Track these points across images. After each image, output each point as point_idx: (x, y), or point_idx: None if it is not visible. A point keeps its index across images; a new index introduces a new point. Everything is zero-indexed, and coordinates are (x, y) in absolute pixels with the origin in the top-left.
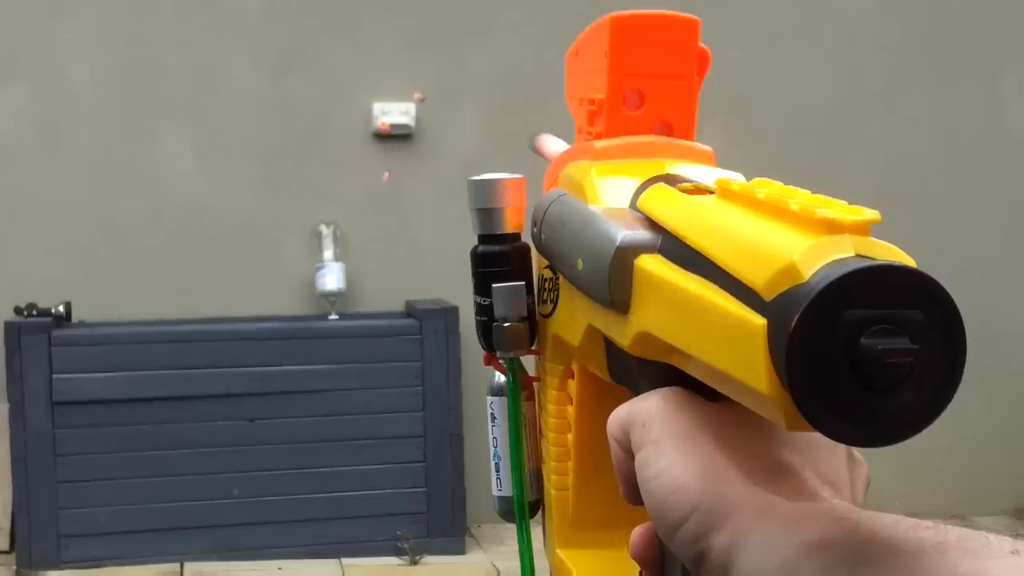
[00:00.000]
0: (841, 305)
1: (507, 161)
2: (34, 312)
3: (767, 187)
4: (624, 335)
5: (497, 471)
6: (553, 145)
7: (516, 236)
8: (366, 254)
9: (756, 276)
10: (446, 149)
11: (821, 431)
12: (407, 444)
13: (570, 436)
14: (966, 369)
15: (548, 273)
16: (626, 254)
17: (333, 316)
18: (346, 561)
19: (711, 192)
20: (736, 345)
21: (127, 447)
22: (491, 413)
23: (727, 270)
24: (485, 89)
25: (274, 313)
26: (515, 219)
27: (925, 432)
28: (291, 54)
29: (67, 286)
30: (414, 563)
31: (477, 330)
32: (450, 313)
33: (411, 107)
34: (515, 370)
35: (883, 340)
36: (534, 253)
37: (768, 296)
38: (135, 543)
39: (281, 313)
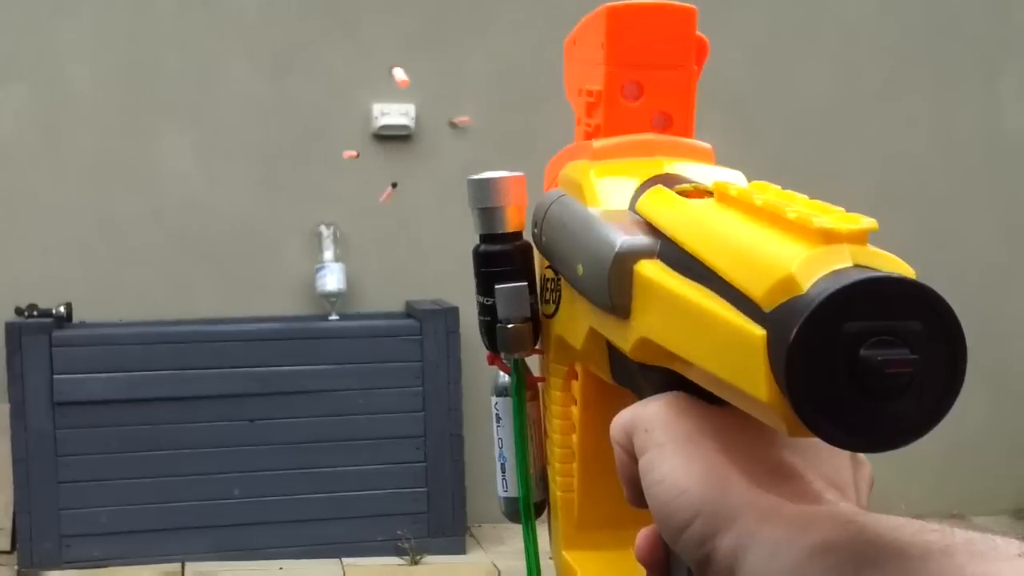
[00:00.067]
0: (840, 317)
1: (507, 162)
2: (35, 313)
3: (765, 192)
4: (625, 340)
5: (503, 472)
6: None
7: (518, 235)
8: (366, 255)
9: (755, 286)
10: (445, 149)
11: (821, 437)
12: (407, 444)
13: (575, 437)
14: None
15: (550, 273)
16: (626, 259)
17: (333, 316)
18: (347, 561)
19: (710, 193)
20: (736, 354)
21: (128, 447)
22: (496, 414)
23: (726, 279)
24: (484, 89)
25: (274, 313)
26: (517, 218)
27: None
28: (291, 54)
29: (68, 287)
30: (415, 563)
31: (480, 330)
32: (450, 313)
33: (411, 108)
34: (519, 371)
35: (883, 351)
36: (536, 252)
37: (767, 307)
38: (136, 543)
39: (281, 313)
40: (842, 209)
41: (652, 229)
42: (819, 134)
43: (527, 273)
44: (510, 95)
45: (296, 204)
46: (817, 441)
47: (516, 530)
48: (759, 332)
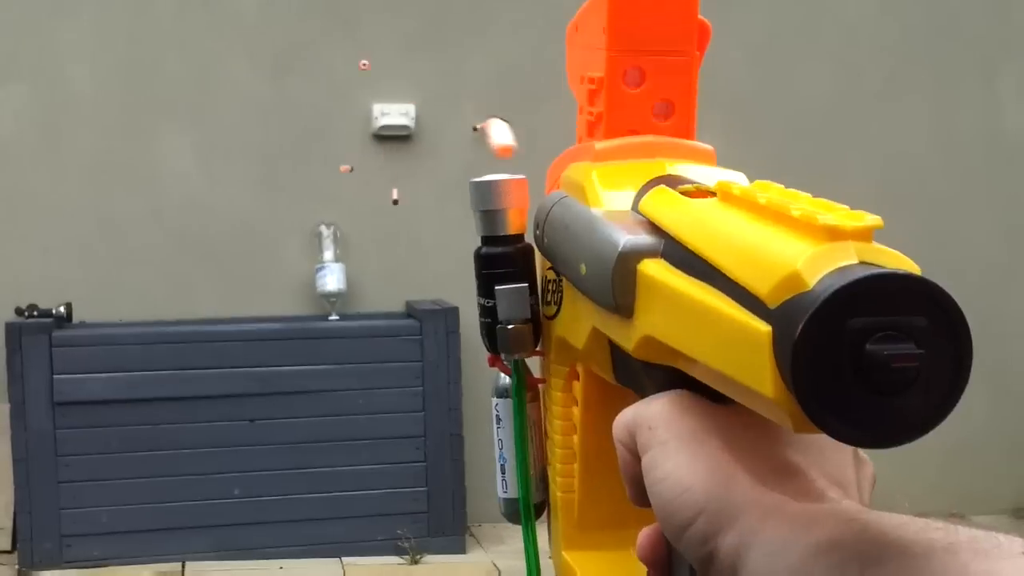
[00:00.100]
0: (846, 313)
1: (506, 162)
2: (35, 313)
3: (768, 191)
4: (628, 339)
5: (503, 473)
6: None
7: (519, 237)
8: (366, 255)
9: (760, 283)
10: (445, 150)
11: (827, 433)
12: (407, 444)
13: (575, 438)
14: None
15: (552, 275)
16: (629, 258)
17: (333, 316)
18: (347, 560)
19: (712, 194)
20: (741, 350)
21: (128, 447)
22: (496, 415)
23: (730, 276)
24: (484, 89)
25: (274, 314)
26: (518, 220)
27: None
28: (290, 54)
29: (67, 287)
30: (415, 562)
31: (481, 332)
32: (450, 313)
33: (411, 108)
34: (520, 372)
35: (888, 346)
36: (538, 254)
37: (772, 304)
38: (136, 543)
39: (281, 313)
40: (847, 207)
41: (655, 229)
42: (819, 134)
43: (528, 275)
44: (510, 95)
45: (296, 204)
46: (820, 440)
47: (516, 530)
48: (764, 328)
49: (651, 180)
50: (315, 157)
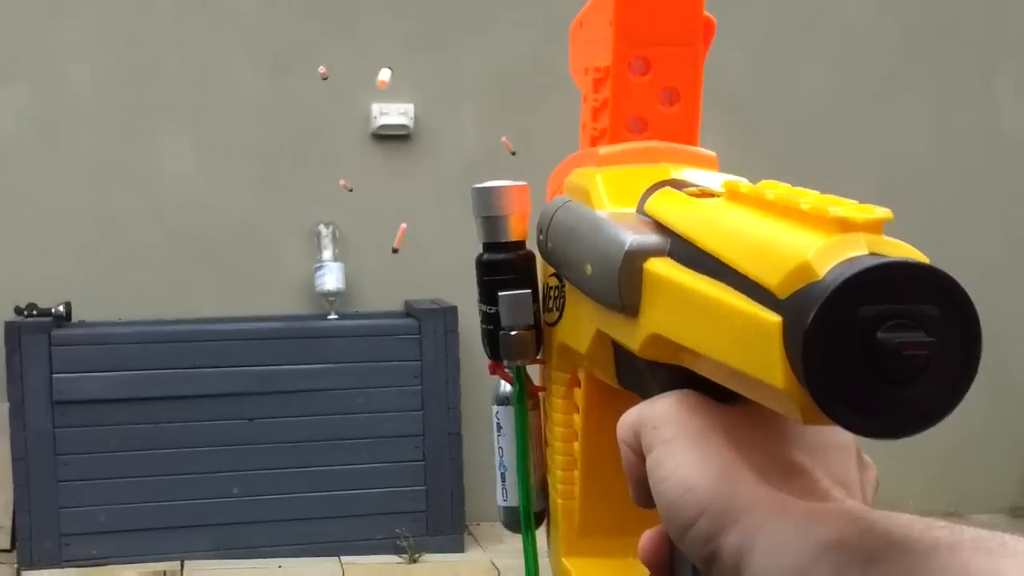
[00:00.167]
0: (857, 302)
1: (506, 162)
2: (34, 312)
3: (776, 188)
4: (634, 338)
5: (503, 481)
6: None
7: (521, 244)
8: (365, 254)
9: (770, 275)
10: (445, 150)
11: (838, 423)
12: (406, 443)
13: (576, 445)
14: None
15: (554, 281)
16: (635, 257)
17: (332, 316)
18: (345, 559)
19: (717, 196)
20: (750, 343)
21: (127, 446)
22: (497, 423)
23: (739, 270)
24: (484, 89)
25: (273, 313)
26: (520, 227)
27: None
28: (290, 55)
29: (67, 286)
30: (413, 561)
31: (483, 338)
32: (449, 313)
33: (410, 108)
34: (522, 379)
35: (899, 334)
36: (539, 261)
37: (783, 294)
38: (135, 542)
39: (280, 313)
40: (855, 201)
41: (661, 229)
42: (818, 134)
43: (530, 282)
44: (509, 95)
45: (295, 204)
46: (825, 440)
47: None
48: (775, 319)
49: (656, 184)
50: (314, 157)
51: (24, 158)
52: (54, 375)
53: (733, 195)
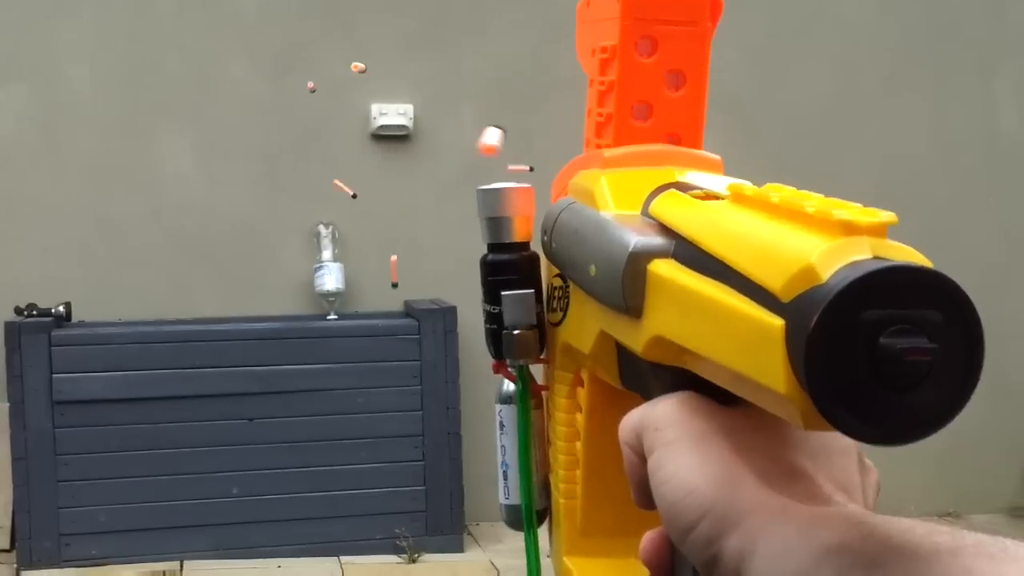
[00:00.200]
0: (860, 306)
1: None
2: (34, 312)
3: (780, 191)
4: (637, 340)
5: (505, 479)
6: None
7: (525, 245)
8: (365, 254)
9: (773, 278)
10: (444, 150)
11: (839, 429)
12: (406, 443)
13: (579, 444)
14: None
15: (558, 282)
16: (639, 259)
17: (332, 316)
18: (345, 559)
19: (722, 199)
20: (753, 346)
21: (127, 446)
22: (500, 421)
23: (743, 273)
24: (482, 90)
25: (273, 313)
26: (524, 228)
27: None
28: (290, 55)
29: (67, 286)
30: (413, 561)
31: (487, 338)
32: (448, 313)
33: (409, 108)
34: (525, 378)
35: (902, 339)
36: (543, 262)
37: (786, 298)
38: (135, 542)
39: (280, 313)
40: (860, 205)
41: (665, 230)
42: (818, 134)
43: (533, 282)
44: (508, 95)
45: (295, 204)
46: (827, 444)
47: (518, 535)
48: (777, 322)
49: (660, 186)
50: (314, 157)
51: (24, 158)
52: (54, 375)
53: (738, 198)
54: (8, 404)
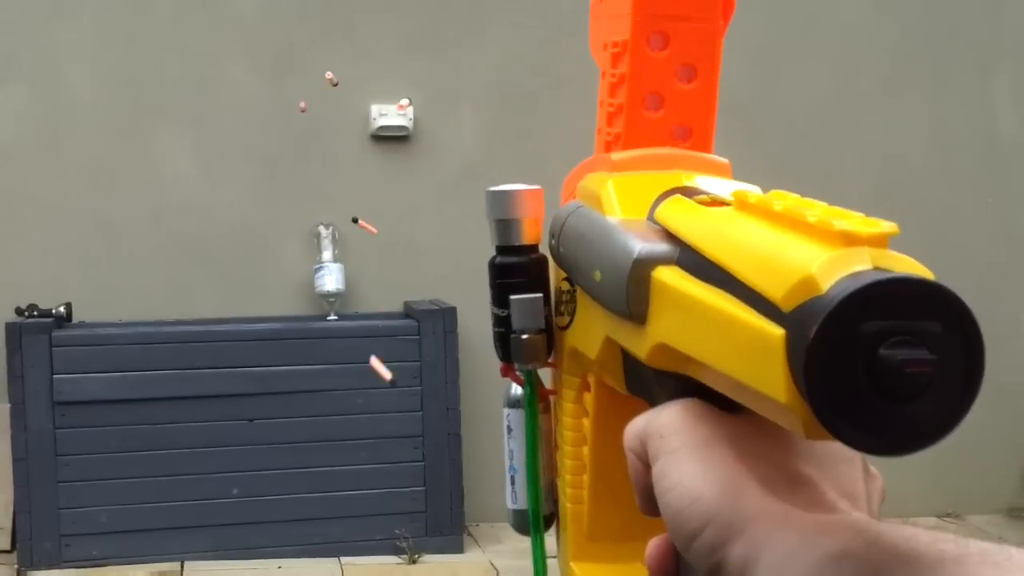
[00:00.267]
0: (860, 317)
1: (503, 162)
2: (35, 313)
3: (784, 199)
4: (641, 346)
5: (512, 484)
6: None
7: (534, 248)
8: (364, 255)
9: (774, 288)
10: (443, 150)
11: (839, 439)
12: (406, 444)
13: (586, 449)
14: None
15: (566, 285)
16: (644, 266)
17: (332, 317)
18: (345, 560)
19: (727, 204)
20: (754, 355)
21: (127, 447)
22: (507, 425)
23: (745, 282)
24: (482, 90)
25: (273, 314)
26: (533, 231)
27: None
28: (289, 56)
29: (67, 287)
30: (413, 562)
31: (494, 341)
32: (448, 313)
33: (408, 109)
34: (532, 382)
35: (902, 351)
36: (552, 265)
37: (786, 308)
38: (135, 542)
39: (280, 314)
40: (863, 214)
41: (670, 237)
42: (816, 135)
43: (542, 285)
44: (507, 96)
45: (295, 205)
46: (831, 451)
47: (517, 537)
48: (778, 332)
49: (667, 191)
50: (314, 158)
51: (24, 159)
52: (55, 376)
53: (742, 205)
54: (9, 405)
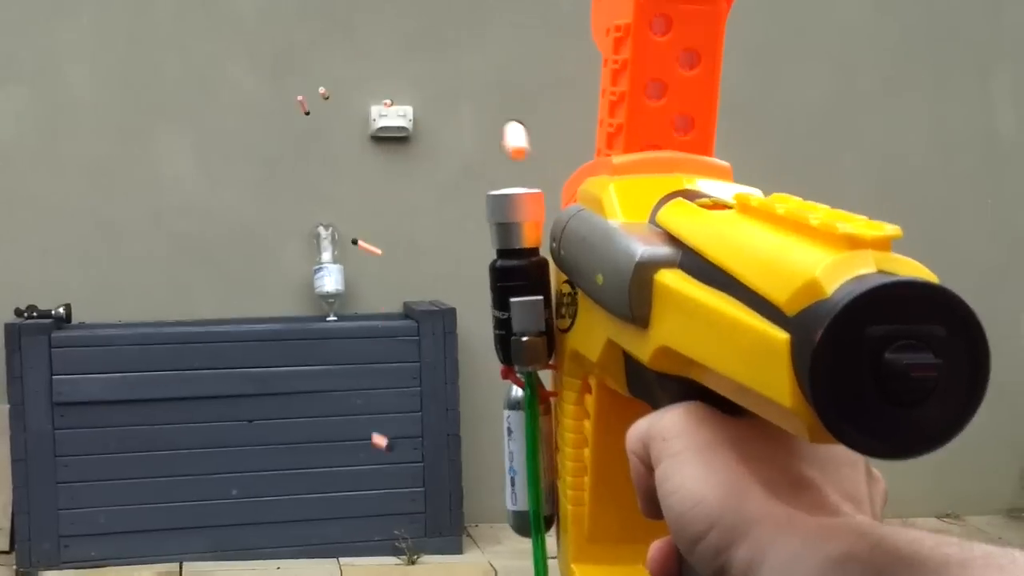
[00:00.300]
0: (865, 321)
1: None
2: (34, 314)
3: (786, 202)
4: (644, 349)
5: (512, 485)
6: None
7: (535, 251)
8: (364, 256)
9: (778, 291)
10: (443, 151)
11: (844, 443)
12: (405, 444)
13: (587, 451)
14: None
15: (567, 288)
16: (646, 269)
17: (332, 317)
18: (344, 561)
19: (729, 207)
20: (759, 359)
21: (126, 448)
22: (508, 427)
23: (748, 285)
24: (482, 91)
25: (273, 315)
26: (533, 234)
27: None
28: (289, 56)
29: (67, 288)
30: (412, 563)
31: (495, 343)
32: (447, 314)
33: (408, 109)
34: (533, 384)
35: (907, 355)
36: (552, 268)
37: (791, 311)
38: (134, 543)
39: (280, 315)
40: (865, 217)
41: (672, 240)
42: (816, 136)
43: (543, 288)
44: (507, 97)
45: (295, 205)
46: (834, 454)
47: (514, 536)
48: (783, 336)
49: (668, 194)
50: (313, 159)
51: (24, 160)
52: (54, 377)
53: (744, 208)
54: (8, 405)
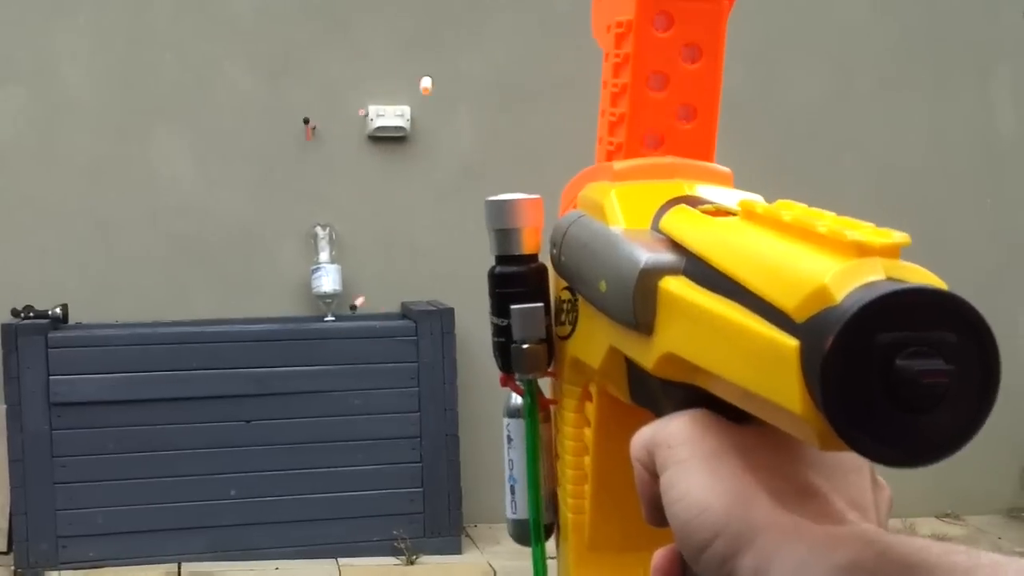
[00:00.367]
0: (875, 327)
1: (501, 163)
2: (31, 314)
3: (792, 209)
4: (648, 356)
5: (512, 493)
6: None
7: (534, 257)
8: (362, 256)
9: (787, 298)
10: (441, 151)
11: (856, 451)
12: (403, 444)
13: (587, 459)
14: None
15: (566, 295)
16: (650, 276)
17: (329, 317)
18: (343, 561)
19: (732, 214)
20: (768, 366)
21: (124, 448)
22: (507, 435)
23: (755, 292)
24: (479, 92)
25: (270, 315)
26: (533, 240)
27: None
28: (286, 57)
29: (64, 288)
30: (410, 563)
31: (494, 351)
32: (445, 314)
33: (406, 109)
34: (533, 392)
35: (917, 361)
36: (551, 275)
37: (800, 318)
38: (132, 544)
39: (277, 315)
40: (873, 224)
41: (676, 247)
42: (815, 136)
43: (542, 295)
44: (504, 97)
45: (292, 206)
46: (839, 462)
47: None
48: (792, 343)
49: (670, 200)
50: (311, 159)
51: (21, 160)
52: (51, 377)
53: (749, 215)
54: (5, 406)
